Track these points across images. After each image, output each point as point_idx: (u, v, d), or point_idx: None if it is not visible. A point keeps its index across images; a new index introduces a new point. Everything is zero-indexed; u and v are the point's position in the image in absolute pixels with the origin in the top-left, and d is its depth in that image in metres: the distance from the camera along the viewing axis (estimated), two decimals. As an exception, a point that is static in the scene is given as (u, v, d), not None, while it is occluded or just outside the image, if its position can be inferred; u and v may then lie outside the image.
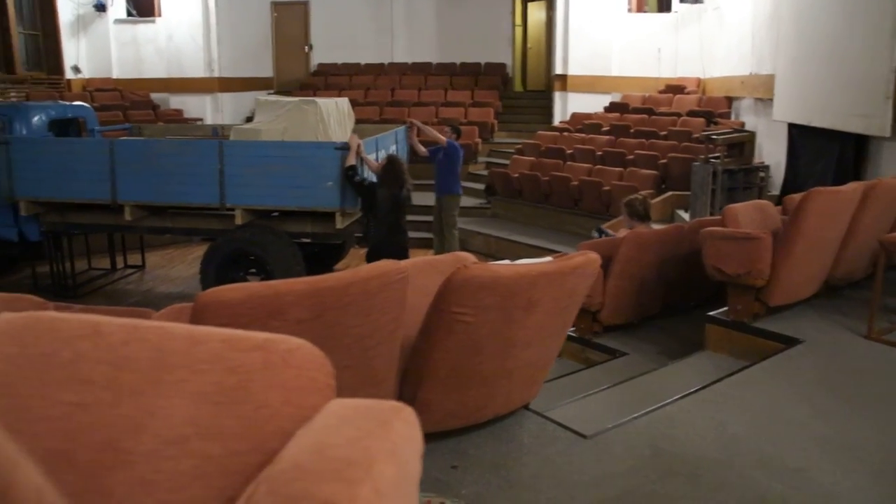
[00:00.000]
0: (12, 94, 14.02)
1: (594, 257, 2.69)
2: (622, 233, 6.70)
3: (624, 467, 2.88)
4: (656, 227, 6.68)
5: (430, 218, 12.27)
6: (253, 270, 8.70)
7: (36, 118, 9.60)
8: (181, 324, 1.14)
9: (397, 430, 0.86)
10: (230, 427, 1.02)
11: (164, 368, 1.06)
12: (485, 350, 2.53)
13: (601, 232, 7.16)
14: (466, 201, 12.39)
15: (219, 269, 8.57)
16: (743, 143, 9.54)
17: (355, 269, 2.15)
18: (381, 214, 7.52)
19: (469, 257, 3.17)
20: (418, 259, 3.13)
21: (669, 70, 14.82)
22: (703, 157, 9.51)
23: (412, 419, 0.92)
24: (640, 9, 15.53)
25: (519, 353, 2.67)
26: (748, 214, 4.73)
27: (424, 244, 11.96)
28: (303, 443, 0.82)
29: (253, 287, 1.96)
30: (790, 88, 9.21)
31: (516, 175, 12.46)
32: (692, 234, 5.53)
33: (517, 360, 2.70)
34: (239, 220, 8.38)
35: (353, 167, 7.80)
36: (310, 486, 0.71)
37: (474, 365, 2.55)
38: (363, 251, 10.34)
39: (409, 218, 11.31)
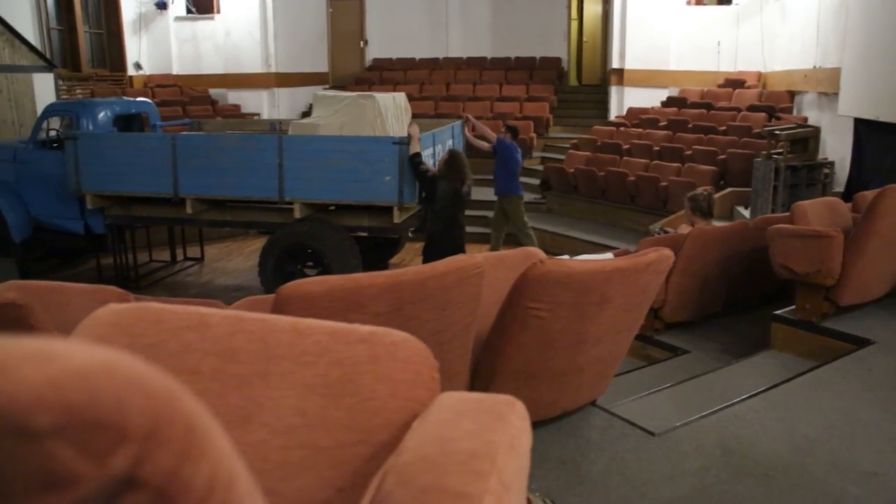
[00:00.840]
0: (78, 91, 14.42)
1: (667, 254, 2.66)
2: (683, 229, 6.62)
3: (694, 466, 2.84)
4: (717, 224, 6.59)
5: (485, 213, 12.29)
6: (310, 264, 8.81)
7: (101, 114, 9.81)
8: (284, 316, 1.16)
9: (513, 423, 0.86)
10: (338, 418, 1.03)
11: (270, 360, 1.08)
12: (557, 345, 2.53)
13: (663, 231, 7.06)
14: (521, 196, 12.36)
15: (277, 262, 8.69)
16: (807, 139, 9.31)
17: (433, 263, 2.16)
18: (439, 208, 7.54)
19: (538, 253, 3.16)
20: (488, 254, 3.13)
21: (729, 64, 14.57)
22: (765, 152, 9.32)
23: (524, 413, 0.92)
24: (699, 1, 15.28)
25: (590, 349, 2.65)
26: (818, 212, 4.62)
27: (480, 238, 11.97)
28: (423, 435, 0.83)
29: (334, 280, 1.98)
30: (857, 82, 8.97)
31: (572, 170, 12.38)
32: (757, 231, 5.43)
33: (588, 356, 2.68)
34: (297, 214, 8.48)
35: (418, 154, 7.85)
36: (440, 478, 0.71)
37: (546, 360, 2.54)
38: (418, 245, 10.41)
39: (467, 213, 11.37)
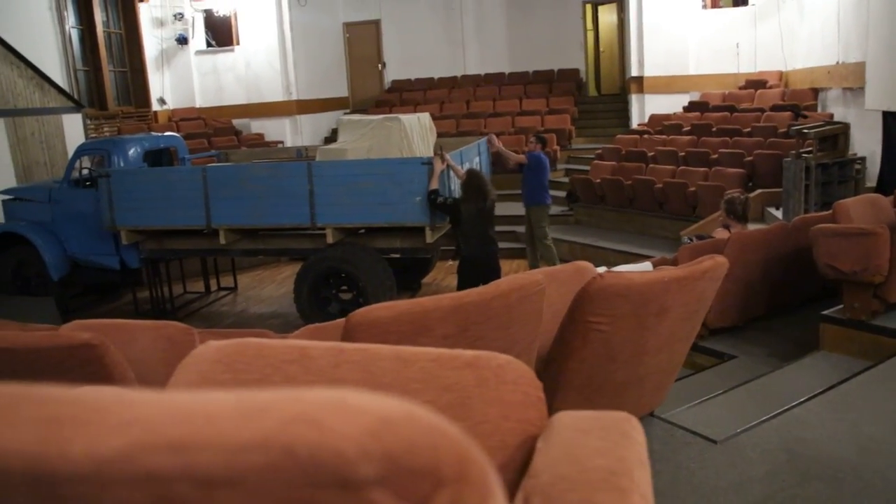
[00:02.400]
0: (105, 129, 14.66)
1: (722, 261, 2.66)
2: (719, 233, 6.59)
3: (760, 472, 2.82)
4: (751, 226, 6.55)
5: (513, 228, 12.31)
6: (344, 287, 8.86)
7: (132, 150, 9.95)
8: (385, 345, 1.17)
9: (637, 439, 0.87)
10: (451, 443, 1.04)
11: (376, 389, 1.10)
12: (618, 358, 2.53)
13: (700, 238, 7.01)
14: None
15: (311, 288, 8.74)
16: (836, 136, 9.24)
17: (495, 282, 2.18)
18: (467, 228, 7.57)
19: (589, 266, 3.17)
20: (541, 270, 3.14)
21: (749, 65, 14.53)
22: (794, 152, 9.26)
23: (640, 428, 0.93)
24: (714, 4, 15.27)
25: (650, 359, 2.65)
26: (860, 209, 4.59)
27: (510, 254, 11.98)
28: (553, 455, 0.84)
29: (401, 305, 2.01)
30: (884, 75, 8.89)
31: (598, 180, 12.36)
32: (797, 232, 5.40)
33: (648, 367, 2.68)
34: (330, 239, 8.52)
35: (435, 191, 7.85)
36: (588, 497, 0.72)
37: (608, 373, 2.54)
38: (450, 264, 10.44)
39: (498, 229, 11.39)
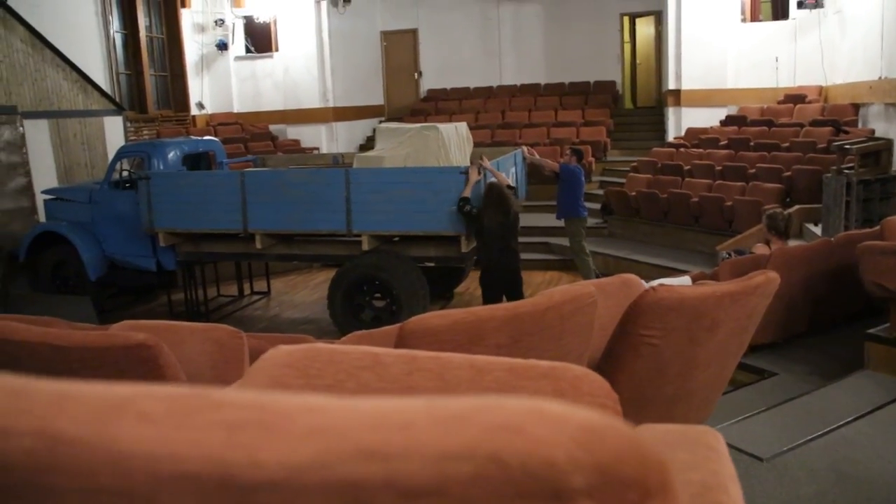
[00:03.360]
0: (145, 131, 14.87)
1: (774, 276, 2.62)
2: (759, 248, 6.51)
3: (809, 492, 2.78)
4: (792, 242, 6.46)
5: (546, 239, 12.29)
6: (378, 295, 8.87)
7: (171, 154, 10.06)
8: (458, 354, 1.17)
9: (724, 453, 0.86)
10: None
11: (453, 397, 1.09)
12: (668, 372, 2.50)
13: (739, 254, 6.93)
14: (581, 221, 12.31)
15: (345, 295, 8.76)
16: (879, 152, 9.11)
17: (548, 293, 2.17)
18: (489, 239, 7.59)
19: (635, 279, 3.15)
20: (589, 282, 3.12)
21: (788, 79, 14.38)
22: (834, 167, 9.13)
23: (724, 442, 0.92)
24: (754, 18, 15.15)
25: (699, 374, 2.62)
26: (909, 227, 4.51)
27: (544, 265, 11.96)
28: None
29: (456, 314, 2.00)
30: (930, 92, 8.76)
31: (633, 193, 12.29)
32: (840, 248, 5.33)
33: (697, 382, 2.65)
34: (366, 246, 8.54)
35: (466, 199, 7.85)
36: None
37: (657, 387, 2.52)
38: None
39: (527, 239, 11.38)
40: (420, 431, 0.41)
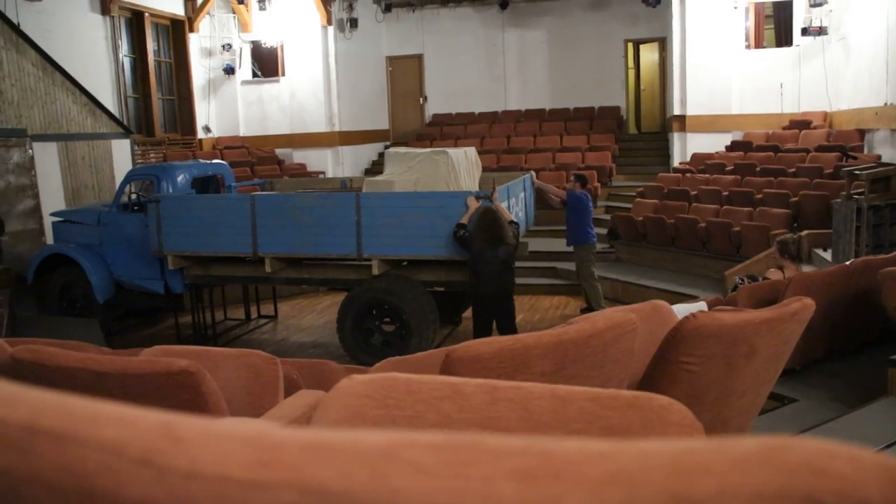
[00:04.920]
0: (151, 154, 14.92)
1: (810, 303, 2.62)
2: (772, 273, 6.51)
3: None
4: (805, 268, 6.46)
5: (554, 264, 12.29)
6: (387, 319, 8.84)
7: (180, 177, 10.08)
8: (538, 383, 1.16)
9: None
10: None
11: (536, 429, 1.08)
12: (705, 399, 2.49)
13: (752, 279, 6.92)
14: (589, 246, 12.33)
15: (355, 319, 8.73)
16: (889, 178, 9.13)
17: (591, 319, 2.16)
18: (478, 266, 7.59)
19: (665, 305, 3.14)
20: (618, 308, 3.11)
21: (792, 105, 14.46)
22: (844, 193, 9.15)
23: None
24: (758, 44, 15.27)
25: (735, 401, 2.61)
26: (929, 253, 4.51)
27: (551, 290, 11.95)
28: None
29: (502, 341, 1.99)
30: (938, 119, 8.79)
31: (640, 218, 12.30)
32: (858, 274, 5.33)
33: (732, 409, 2.63)
34: (376, 271, 8.53)
35: (464, 225, 7.84)
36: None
37: (695, 414, 2.50)
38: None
39: (534, 264, 11.38)
40: (724, 475, 0.40)
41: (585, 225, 10.01)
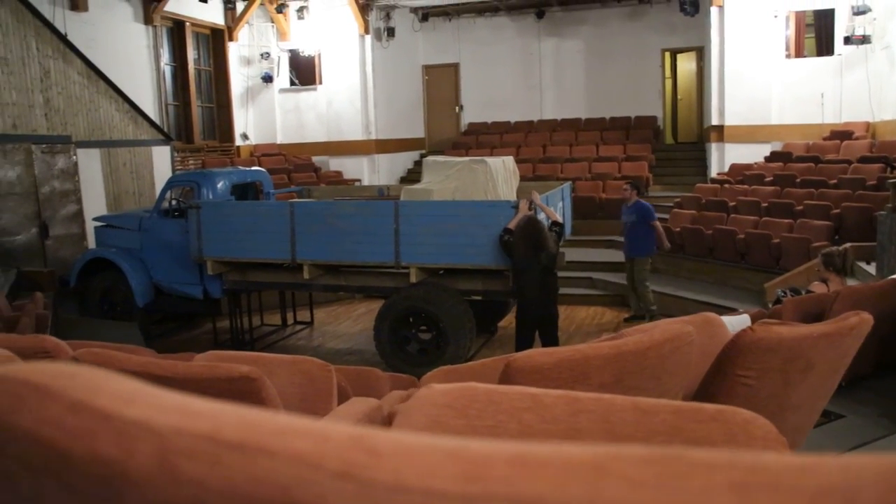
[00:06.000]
0: (190, 161, 15.13)
1: (868, 318, 2.58)
2: (816, 287, 6.41)
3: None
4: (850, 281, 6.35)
5: (589, 274, 12.22)
6: (423, 328, 8.85)
7: (220, 184, 10.20)
8: (619, 395, 1.16)
9: None
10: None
11: (617, 441, 1.08)
12: (761, 414, 2.46)
13: (795, 292, 6.83)
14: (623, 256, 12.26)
15: (392, 326, 8.75)
16: (935, 190, 8.96)
17: (649, 331, 2.15)
18: (520, 274, 7.57)
19: (716, 317, 3.11)
20: (674, 320, 3.09)
21: (834, 115, 14.27)
22: (889, 205, 9.00)
23: None
24: (798, 53, 15.09)
25: (789, 416, 2.57)
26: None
27: (586, 300, 11.89)
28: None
29: (562, 352, 1.99)
30: None
31: (678, 229, 12.20)
32: (908, 288, 5.23)
33: (787, 424, 2.60)
34: (413, 279, 8.55)
35: (510, 230, 7.83)
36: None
37: (750, 430, 2.47)
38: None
39: (571, 274, 11.32)
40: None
41: (649, 235, 10.07)
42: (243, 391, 2.10)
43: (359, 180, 16.27)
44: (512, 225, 7.85)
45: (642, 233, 10.16)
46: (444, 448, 0.40)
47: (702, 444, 1.06)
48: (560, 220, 8.32)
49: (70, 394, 0.50)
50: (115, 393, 0.51)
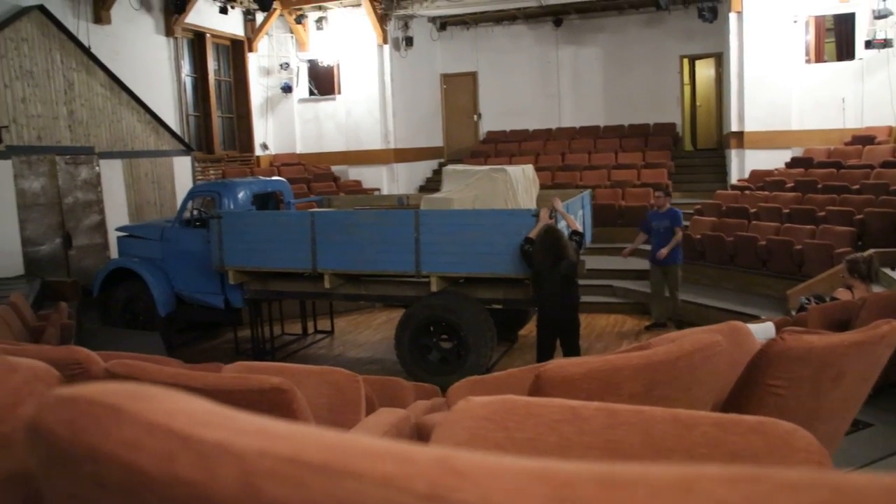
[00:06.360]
0: (211, 171, 15.24)
1: (899, 326, 2.56)
2: (841, 293, 6.36)
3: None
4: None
5: (610, 282, 12.17)
6: (445, 336, 8.85)
7: (241, 194, 10.26)
8: (658, 407, 1.16)
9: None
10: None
11: (659, 454, 1.08)
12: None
13: (819, 299, 6.77)
14: (646, 264, 12.18)
15: (413, 335, 8.76)
16: (960, 196, 8.89)
17: (678, 340, 2.15)
18: (540, 282, 7.54)
19: (743, 326, 3.10)
20: (702, 329, 3.08)
21: (855, 120, 14.15)
22: (913, 211, 8.92)
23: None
24: (818, 58, 14.97)
25: (820, 426, 2.55)
26: None
27: (606, 308, 11.84)
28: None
29: (592, 362, 1.99)
30: None
31: (698, 236, 12.14)
32: (936, 295, 5.18)
33: (817, 434, 2.56)
34: (434, 288, 8.55)
35: (531, 239, 7.82)
36: None
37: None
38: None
39: (591, 282, 11.28)
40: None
41: (679, 243, 10.31)
42: (274, 403, 2.11)
43: (378, 189, 16.32)
44: (533, 234, 7.84)
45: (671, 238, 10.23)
46: (530, 469, 0.41)
47: (743, 457, 1.06)
48: (580, 228, 8.29)
49: (146, 415, 0.51)
50: (192, 415, 0.52)
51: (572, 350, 7.61)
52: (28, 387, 0.72)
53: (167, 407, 0.53)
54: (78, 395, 0.54)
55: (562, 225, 8.02)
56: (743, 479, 0.39)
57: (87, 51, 11.78)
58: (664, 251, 10.20)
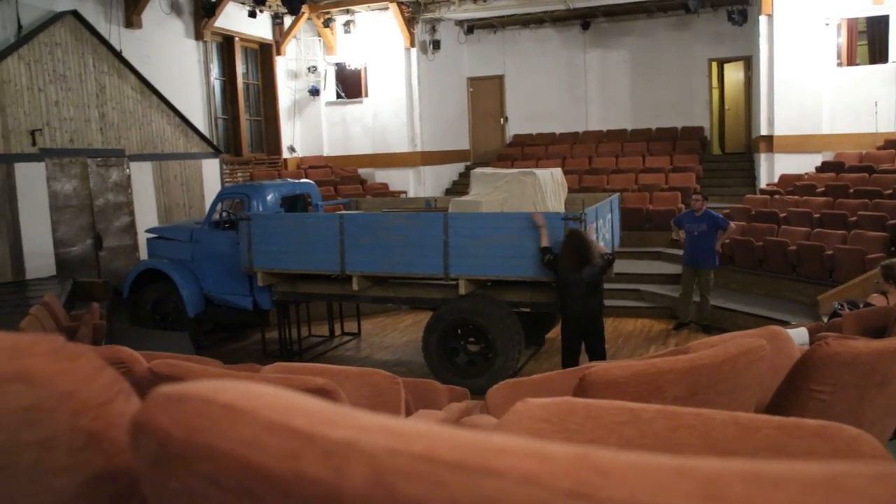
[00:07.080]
0: (239, 174, 15.37)
1: (945, 332, 2.53)
2: (875, 299, 6.27)
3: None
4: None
5: (637, 286, 12.10)
6: (472, 339, 8.84)
7: (270, 196, 10.32)
8: (718, 410, 1.15)
9: None
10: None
11: (721, 456, 1.07)
12: (835, 430, 2.42)
13: (853, 305, 6.68)
14: (673, 268, 12.12)
15: (440, 338, 8.76)
16: None
17: (723, 345, 2.14)
18: (566, 288, 7.51)
19: (782, 331, 3.07)
20: (745, 333, 3.06)
21: (888, 124, 13.99)
22: (948, 217, 8.79)
23: None
24: (850, 61, 14.81)
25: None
26: None
27: (635, 313, 11.78)
28: None
29: (637, 365, 1.99)
30: None
31: (727, 241, 12.03)
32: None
33: (860, 442, 2.56)
34: (462, 290, 8.55)
35: (548, 248, 7.79)
36: None
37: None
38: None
39: (618, 286, 11.23)
40: None
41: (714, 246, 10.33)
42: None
43: (405, 192, 16.35)
44: (545, 243, 7.82)
45: (712, 242, 10.20)
46: (672, 466, 0.41)
47: (809, 459, 1.05)
48: (608, 251, 8.25)
49: (263, 413, 0.52)
50: (310, 413, 0.53)
51: (597, 354, 7.58)
52: (118, 384, 0.73)
53: (282, 405, 0.54)
54: (188, 393, 0.55)
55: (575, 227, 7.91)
56: (889, 476, 0.39)
57: (118, 55, 11.94)
58: (718, 244, 10.41)
